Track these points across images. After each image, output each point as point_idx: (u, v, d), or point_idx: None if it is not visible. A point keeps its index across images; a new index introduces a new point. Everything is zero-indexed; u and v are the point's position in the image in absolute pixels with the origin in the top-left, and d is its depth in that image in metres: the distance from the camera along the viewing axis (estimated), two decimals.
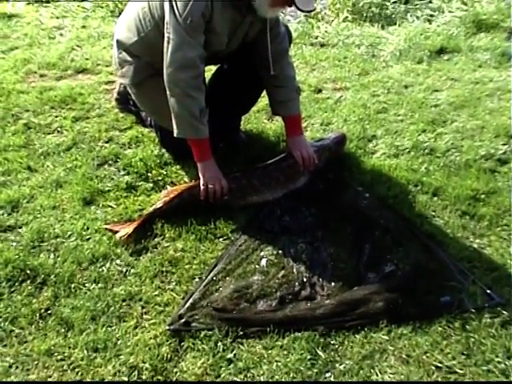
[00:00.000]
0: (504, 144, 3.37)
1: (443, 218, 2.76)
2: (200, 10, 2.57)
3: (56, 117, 3.59)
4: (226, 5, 2.65)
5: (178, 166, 3.09)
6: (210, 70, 3.16)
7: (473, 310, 2.24)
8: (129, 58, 3.01)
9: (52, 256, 2.49)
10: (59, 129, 3.46)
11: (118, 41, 3.05)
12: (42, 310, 2.24)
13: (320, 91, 4.01)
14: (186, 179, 3.00)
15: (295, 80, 3.04)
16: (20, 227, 2.68)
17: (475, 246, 2.60)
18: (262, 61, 2.88)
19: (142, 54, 2.95)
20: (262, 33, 2.82)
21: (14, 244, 2.56)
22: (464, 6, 5.63)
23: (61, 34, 4.89)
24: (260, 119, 3.56)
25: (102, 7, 5.55)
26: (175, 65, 2.65)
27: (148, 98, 3.06)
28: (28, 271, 2.40)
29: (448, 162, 3.20)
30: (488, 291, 2.33)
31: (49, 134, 3.43)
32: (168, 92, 2.70)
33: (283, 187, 2.89)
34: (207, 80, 3.20)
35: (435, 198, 2.91)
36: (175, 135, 2.74)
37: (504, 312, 2.24)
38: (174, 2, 2.60)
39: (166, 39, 2.65)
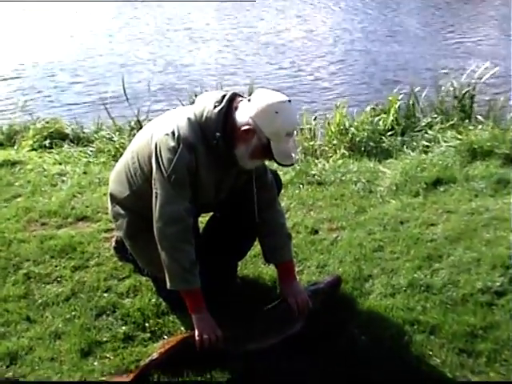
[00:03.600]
0: (500, 276, 3.48)
1: (440, 357, 2.84)
2: (184, 166, 2.81)
3: (56, 266, 3.73)
4: (210, 158, 2.87)
5: (174, 316, 3.19)
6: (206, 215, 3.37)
7: None
8: (122, 212, 3.23)
9: None
10: (59, 278, 3.60)
11: (111, 194, 3.29)
12: None
13: (316, 232, 4.11)
14: (182, 328, 3.10)
15: (285, 227, 3.22)
16: (18, 380, 2.78)
17: None
18: (250, 209, 3.05)
19: (135, 207, 3.17)
20: (249, 182, 3.03)
21: None
22: (459, 135, 5.85)
23: (62, 181, 5.12)
24: (256, 264, 3.66)
25: (103, 152, 5.86)
26: (163, 219, 2.85)
27: (142, 250, 3.24)
28: None
29: (444, 298, 3.30)
30: None
31: (48, 283, 3.56)
32: (158, 246, 2.88)
33: (279, 333, 2.99)
34: (201, 228, 3.40)
35: (432, 337, 3.00)
36: (168, 287, 2.90)
37: None
38: (159, 158, 2.85)
39: (154, 194, 2.88)
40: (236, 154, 2.86)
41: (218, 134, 2.82)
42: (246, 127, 2.79)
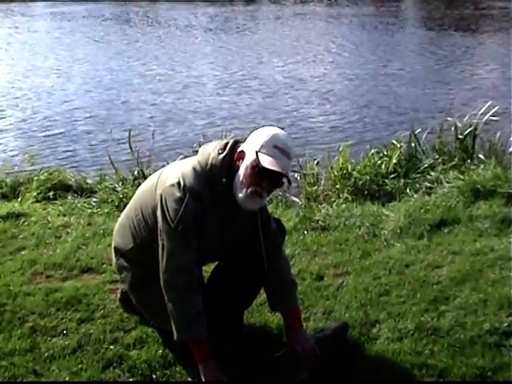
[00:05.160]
0: (508, 316, 3.49)
1: None
2: (191, 216, 2.86)
3: (62, 319, 3.74)
4: (216, 204, 2.94)
5: (181, 367, 3.20)
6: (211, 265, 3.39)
7: None
8: (126, 265, 3.27)
9: None
10: (65, 331, 3.60)
11: (115, 247, 3.34)
12: None
13: (322, 278, 4.11)
14: (189, 379, 3.11)
15: (290, 274, 3.26)
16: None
17: None
18: (256, 257, 3.10)
19: (139, 259, 3.21)
20: (254, 230, 3.08)
21: None
22: (461, 175, 5.92)
23: (67, 233, 5.14)
24: (263, 312, 3.66)
25: (107, 202, 5.89)
26: (170, 271, 2.89)
27: (147, 302, 3.26)
28: None
29: (452, 340, 3.31)
30: None
31: (54, 336, 3.56)
32: (165, 297, 2.91)
33: (285, 382, 3.01)
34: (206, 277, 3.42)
35: (441, 380, 3.01)
36: (175, 339, 2.92)
37: None
38: (165, 209, 2.90)
39: (160, 246, 2.92)
40: (234, 185, 2.92)
41: (223, 179, 2.89)
42: (239, 150, 2.92)
